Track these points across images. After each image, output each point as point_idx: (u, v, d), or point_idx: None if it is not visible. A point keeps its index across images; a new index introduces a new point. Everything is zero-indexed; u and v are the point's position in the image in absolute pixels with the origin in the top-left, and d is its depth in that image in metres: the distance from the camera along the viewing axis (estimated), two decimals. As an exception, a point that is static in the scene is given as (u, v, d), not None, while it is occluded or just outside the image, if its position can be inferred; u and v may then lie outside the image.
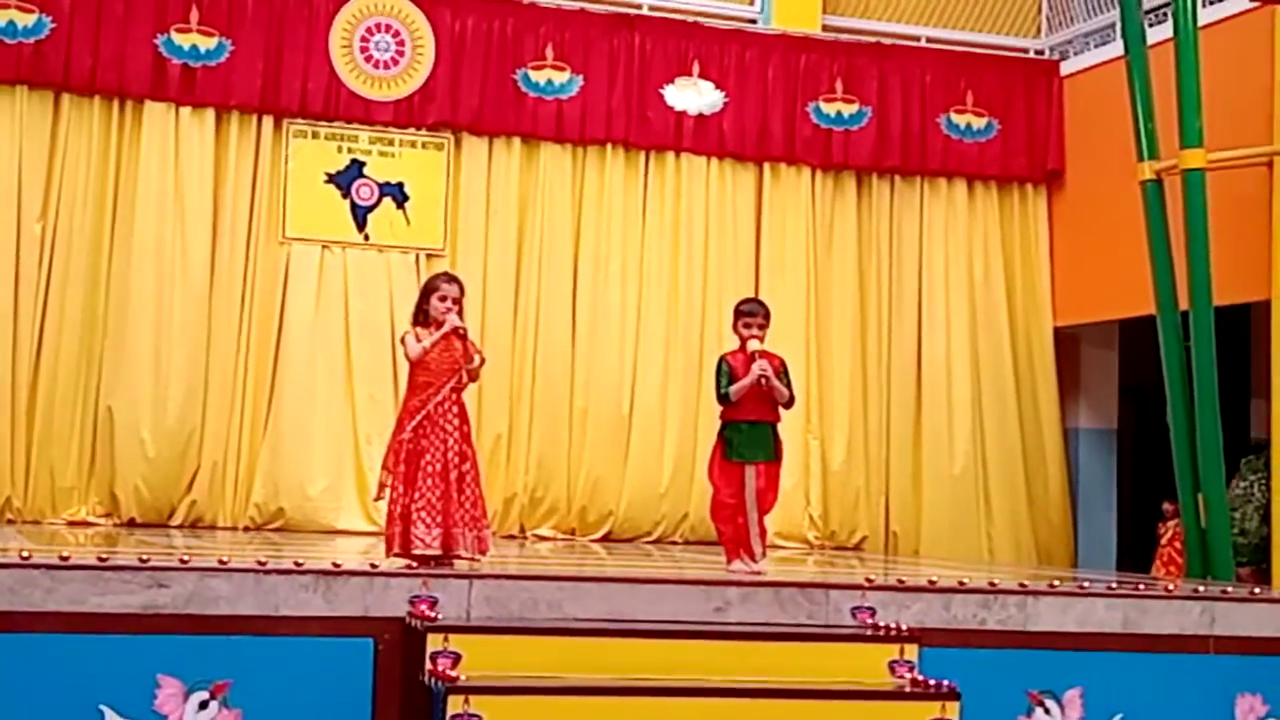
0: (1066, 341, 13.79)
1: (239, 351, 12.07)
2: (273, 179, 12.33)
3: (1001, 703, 6.96)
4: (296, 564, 6.56)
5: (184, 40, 12.05)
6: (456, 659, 6.05)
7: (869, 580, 7.29)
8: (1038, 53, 14.27)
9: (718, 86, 13.18)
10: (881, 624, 6.85)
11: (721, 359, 8.24)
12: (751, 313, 8.29)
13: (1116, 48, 12.31)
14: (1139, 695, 7.20)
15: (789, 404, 8.22)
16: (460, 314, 7.57)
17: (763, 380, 8.00)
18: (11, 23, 11.66)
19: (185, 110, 12.07)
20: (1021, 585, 7.40)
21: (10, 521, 11.36)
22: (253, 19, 12.21)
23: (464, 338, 7.54)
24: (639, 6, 13.38)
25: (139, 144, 12.00)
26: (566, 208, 12.89)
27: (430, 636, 6.13)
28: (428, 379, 7.45)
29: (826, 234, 13.44)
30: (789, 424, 8.90)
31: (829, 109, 13.40)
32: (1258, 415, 12.53)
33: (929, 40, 14.03)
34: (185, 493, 11.83)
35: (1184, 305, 10.61)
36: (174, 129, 12.05)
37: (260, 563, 6.51)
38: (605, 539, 12.58)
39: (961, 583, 7.32)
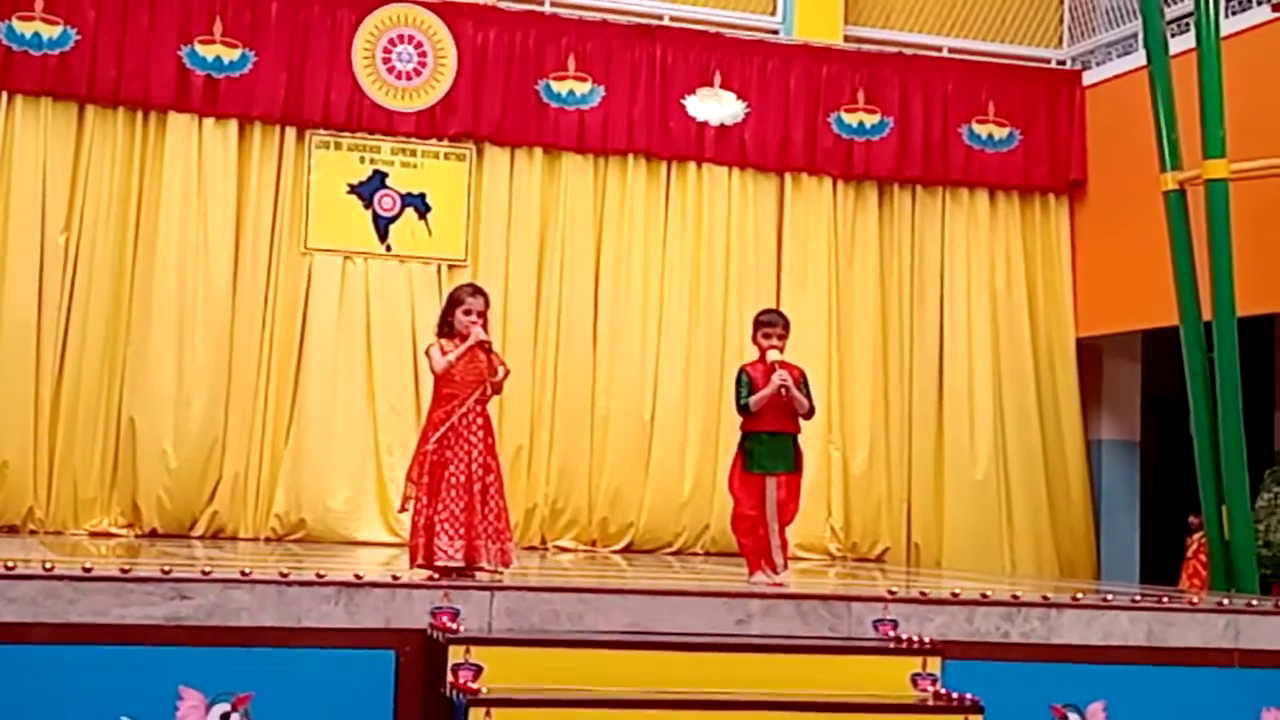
0: (1089, 352, 13.76)
1: (261, 362, 12.10)
2: (295, 190, 12.37)
3: (1025, 716, 6.93)
4: (318, 575, 6.56)
5: (208, 52, 12.10)
6: (478, 671, 6.05)
7: (891, 592, 7.26)
8: (1059, 63, 14.25)
9: (739, 97, 13.19)
10: (904, 637, 6.83)
11: (741, 370, 8.22)
12: (771, 323, 8.26)
13: (1139, 58, 12.29)
14: (1163, 709, 7.16)
15: (809, 415, 8.20)
16: (485, 326, 7.57)
17: (783, 390, 7.98)
18: (37, 34, 11.73)
19: (209, 121, 12.13)
20: (1044, 598, 7.37)
21: (33, 532, 11.41)
22: (276, 30, 12.26)
23: (489, 351, 7.54)
24: (660, 18, 13.40)
25: (162, 155, 12.06)
26: (588, 218, 12.90)
27: (452, 648, 6.12)
28: (452, 391, 7.45)
29: (848, 244, 13.43)
30: (810, 435, 8.88)
31: (850, 119, 13.39)
32: (1282, 427, 12.49)
33: (951, 50, 14.03)
34: (207, 504, 11.86)
35: (1207, 316, 10.57)
36: (197, 140, 12.10)
37: (282, 574, 6.52)
38: (626, 550, 12.57)
39: (984, 595, 7.30)
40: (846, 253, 13.42)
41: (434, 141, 12.66)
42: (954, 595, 7.24)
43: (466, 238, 12.69)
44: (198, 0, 12.11)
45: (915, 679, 6.54)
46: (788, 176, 13.35)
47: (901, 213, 13.63)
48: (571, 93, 12.87)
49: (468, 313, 7.54)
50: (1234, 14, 11.87)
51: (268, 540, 11.86)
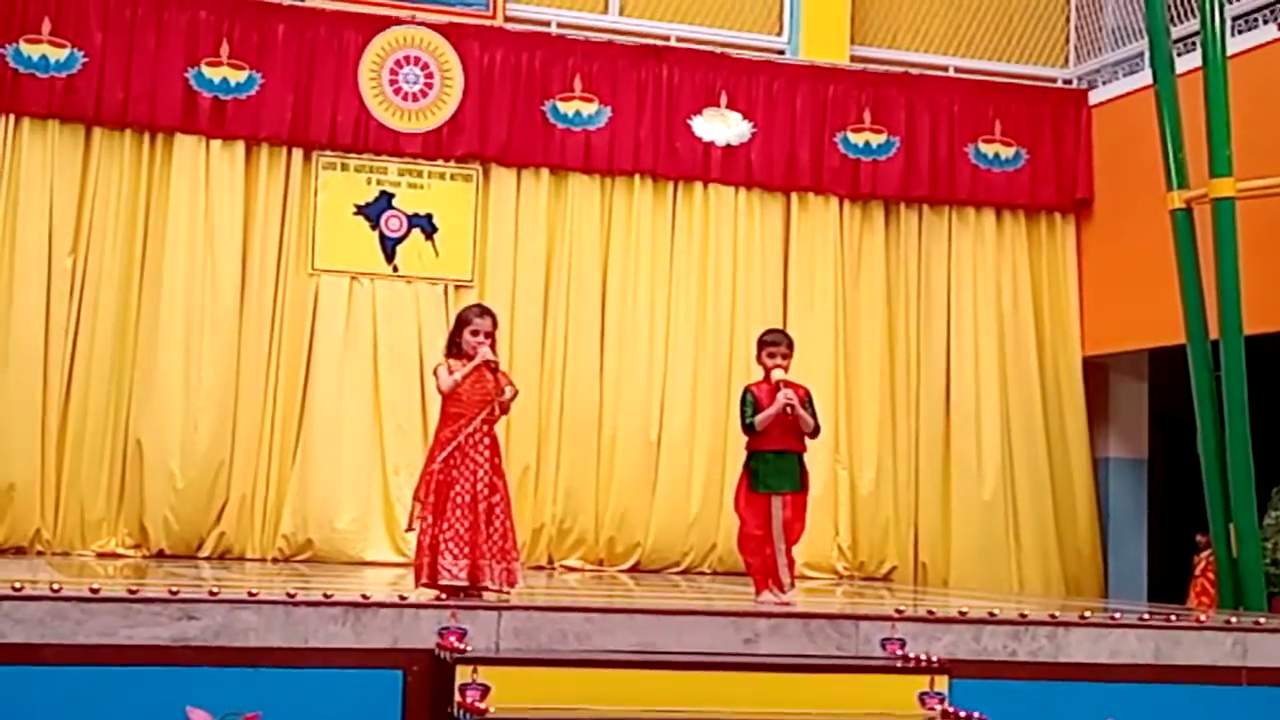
0: (1096, 371, 13.74)
1: (268, 383, 12.10)
2: (302, 211, 12.38)
3: (1032, 735, 6.94)
4: (325, 596, 6.57)
5: (214, 73, 12.13)
6: (485, 691, 6.05)
7: (899, 611, 7.26)
8: (1066, 82, 14.26)
9: (745, 117, 13.20)
10: (911, 655, 6.83)
11: (746, 389, 8.26)
12: (775, 343, 8.30)
13: (1145, 77, 12.30)
14: (1171, 728, 7.16)
15: (814, 433, 8.22)
16: (493, 347, 7.59)
17: (788, 409, 8.00)
18: (44, 57, 11.76)
19: (216, 143, 12.14)
20: (1052, 616, 7.37)
21: (40, 553, 11.41)
22: (283, 52, 12.28)
23: (496, 370, 7.56)
24: (667, 38, 13.43)
25: (169, 177, 12.07)
26: (595, 238, 12.91)
27: (459, 668, 6.13)
28: (459, 410, 7.47)
29: (854, 264, 13.42)
30: (817, 454, 8.90)
31: (857, 139, 13.41)
32: (1289, 445, 12.46)
33: (957, 70, 14.04)
34: (214, 524, 11.85)
35: (1214, 334, 10.57)
36: (204, 162, 12.11)
37: (289, 594, 6.53)
38: (633, 570, 12.56)
39: (992, 614, 7.29)
40: (853, 272, 13.42)
41: (441, 162, 12.67)
42: (961, 614, 7.24)
43: (473, 258, 12.69)
44: (204, 22, 12.14)
45: (923, 698, 6.54)
46: (794, 196, 13.34)
47: (908, 232, 13.62)
48: (578, 113, 12.89)
49: (475, 333, 7.56)
50: (1240, 33, 11.88)
51: (275, 561, 11.85)
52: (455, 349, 7.62)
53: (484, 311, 7.75)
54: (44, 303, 11.68)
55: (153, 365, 11.83)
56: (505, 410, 7.64)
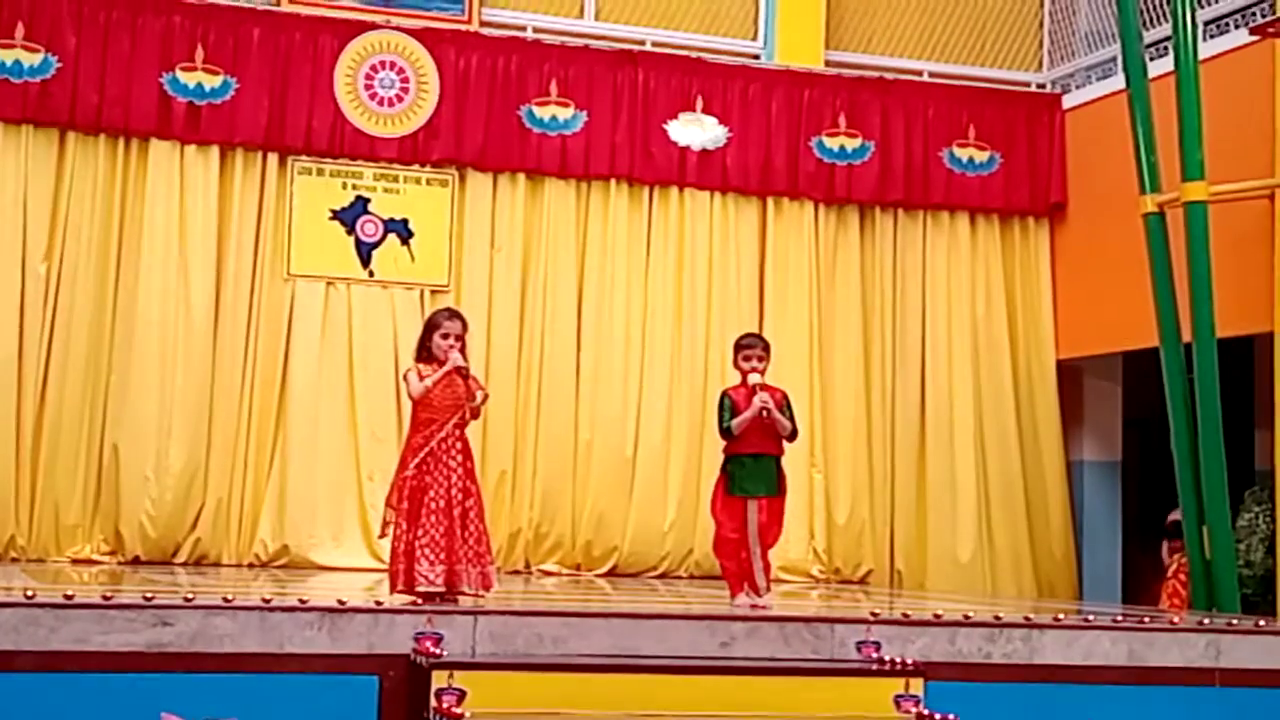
0: (1070, 374, 13.79)
1: (243, 389, 12.08)
2: (277, 216, 12.36)
3: (1007, 736, 6.96)
4: (301, 601, 6.56)
5: (189, 79, 12.10)
6: (461, 696, 6.05)
7: (874, 614, 7.28)
8: (1039, 86, 14.31)
9: (721, 122, 13.22)
10: (887, 658, 6.85)
11: (723, 393, 8.27)
12: (750, 346, 8.33)
13: (1118, 81, 12.35)
14: (1145, 729, 7.19)
15: (791, 437, 8.24)
16: (463, 351, 7.58)
17: (764, 412, 8.02)
18: (18, 62, 11.72)
19: (190, 148, 12.11)
20: (1026, 619, 7.40)
21: (14, 560, 11.36)
22: (258, 57, 12.27)
23: (466, 375, 7.55)
24: (642, 43, 13.43)
25: (144, 182, 12.04)
26: (571, 243, 12.91)
27: (435, 673, 6.12)
28: (430, 416, 7.47)
29: (830, 268, 13.45)
30: (793, 459, 8.90)
31: (832, 143, 13.43)
32: (1262, 447, 12.53)
33: (931, 74, 14.08)
34: (190, 530, 11.82)
35: (1187, 338, 10.62)
36: (179, 167, 12.08)
37: (265, 600, 6.52)
38: (610, 574, 12.56)
39: (966, 616, 7.32)
40: (828, 277, 13.44)
41: (416, 167, 12.66)
42: (936, 617, 7.26)
43: (449, 263, 12.69)
44: (179, 27, 12.11)
45: (898, 700, 6.56)
46: (769, 201, 13.37)
47: (883, 236, 13.65)
48: (554, 118, 12.90)
49: (445, 337, 7.56)
50: (1212, 37, 11.93)
51: (251, 567, 11.82)
52: (425, 353, 7.62)
53: (453, 315, 7.75)
54: (18, 308, 11.64)
55: (128, 371, 11.80)
56: (476, 415, 7.64)
